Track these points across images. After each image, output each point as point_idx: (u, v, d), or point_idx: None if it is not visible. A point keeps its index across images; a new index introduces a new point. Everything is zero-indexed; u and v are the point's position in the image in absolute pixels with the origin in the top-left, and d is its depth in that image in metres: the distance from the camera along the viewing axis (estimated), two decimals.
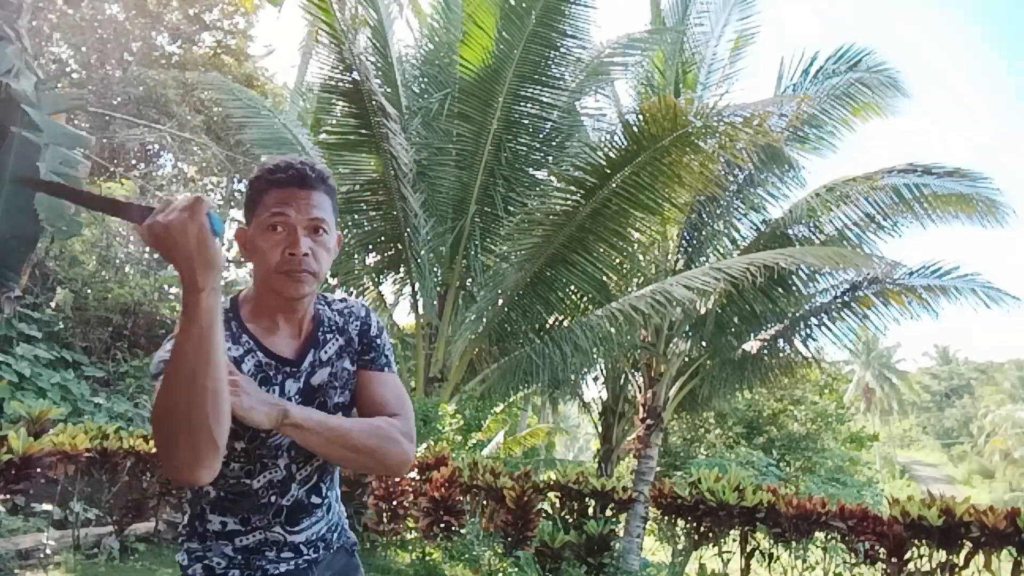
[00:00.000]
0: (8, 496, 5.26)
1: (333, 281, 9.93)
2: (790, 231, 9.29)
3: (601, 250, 8.06)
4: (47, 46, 13.91)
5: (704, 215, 9.64)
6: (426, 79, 9.34)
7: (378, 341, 1.47)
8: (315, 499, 1.44)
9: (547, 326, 8.72)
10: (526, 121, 8.99)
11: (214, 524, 1.39)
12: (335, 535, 1.52)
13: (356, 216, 9.15)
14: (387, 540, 6.33)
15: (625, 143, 7.25)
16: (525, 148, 9.15)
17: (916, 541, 4.99)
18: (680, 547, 6.48)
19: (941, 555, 4.87)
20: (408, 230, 8.39)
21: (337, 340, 1.44)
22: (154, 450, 6.12)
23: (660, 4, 10.28)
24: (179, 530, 1.47)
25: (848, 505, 5.69)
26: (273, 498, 1.38)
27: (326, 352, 1.41)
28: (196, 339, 1.06)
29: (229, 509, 1.38)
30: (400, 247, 8.88)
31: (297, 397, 1.36)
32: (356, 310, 1.50)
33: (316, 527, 1.45)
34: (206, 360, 1.07)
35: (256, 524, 1.39)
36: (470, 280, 9.17)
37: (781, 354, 9.75)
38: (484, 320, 8.55)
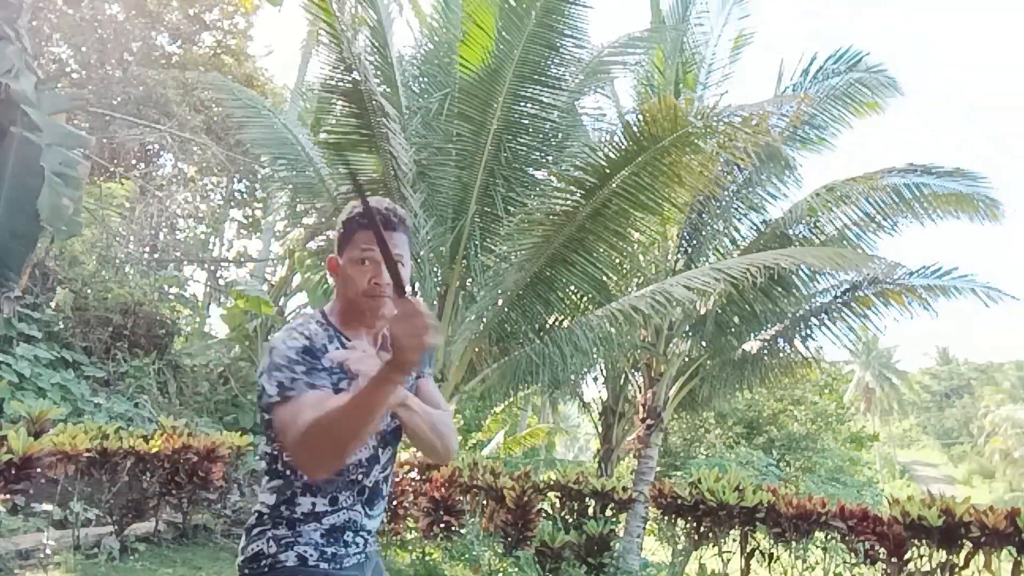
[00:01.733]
0: (8, 496, 5.26)
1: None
2: (790, 231, 9.28)
3: (601, 250, 8.05)
4: (47, 46, 13.91)
5: (704, 215, 9.64)
6: (426, 79, 9.34)
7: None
8: (385, 487, 1.69)
9: (547, 326, 8.72)
10: (526, 121, 8.99)
11: (304, 506, 1.56)
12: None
13: None
14: (387, 540, 6.34)
15: (625, 143, 7.25)
16: (525, 148, 9.14)
17: (916, 541, 4.99)
18: (680, 547, 6.48)
19: (941, 555, 4.88)
20: None
21: None
22: (154, 450, 6.13)
23: (660, 4, 10.28)
24: (256, 520, 1.60)
25: (848, 505, 5.70)
26: (360, 476, 1.61)
27: None
28: (374, 406, 1.32)
29: (321, 489, 1.57)
30: None
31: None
32: None
33: (382, 516, 1.70)
34: (374, 419, 1.34)
35: (343, 504, 1.59)
36: (470, 280, 9.16)
37: (781, 354, 9.73)
38: (484, 320, 8.55)
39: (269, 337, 11.44)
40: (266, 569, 1.53)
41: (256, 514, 1.61)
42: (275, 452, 1.58)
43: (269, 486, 1.59)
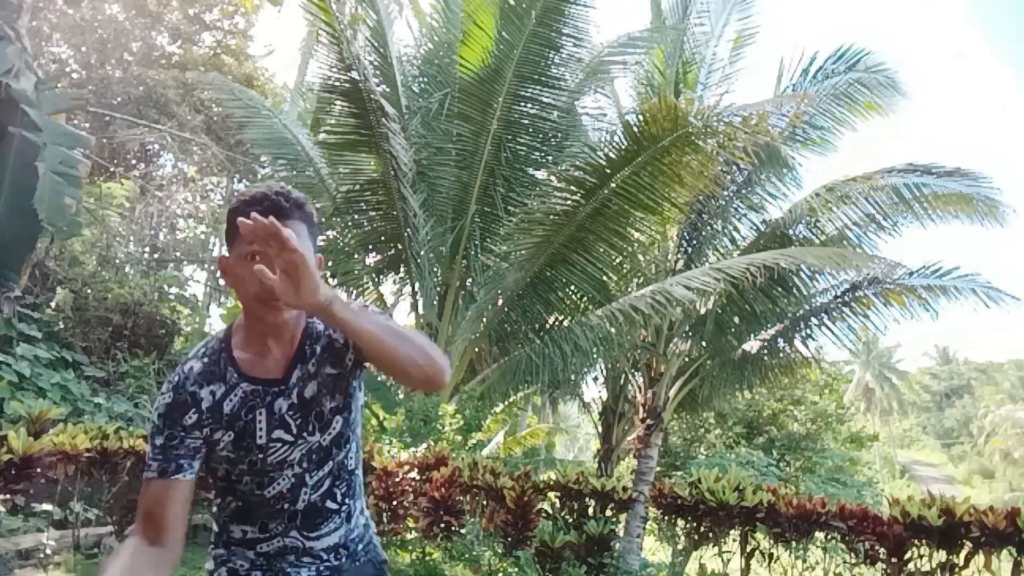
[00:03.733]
0: (8, 496, 5.25)
1: (333, 282, 9.91)
2: (790, 231, 9.28)
3: (601, 250, 8.06)
4: (47, 46, 13.91)
5: (704, 215, 9.64)
6: (426, 79, 9.34)
7: None
8: (331, 504, 1.53)
9: (547, 326, 8.72)
10: (526, 121, 8.99)
11: (236, 533, 1.51)
12: (360, 546, 1.61)
13: (356, 216, 9.15)
14: (387, 540, 6.33)
15: (625, 143, 7.25)
16: (525, 148, 9.15)
17: (916, 541, 4.99)
18: (680, 547, 6.47)
19: (941, 555, 4.87)
20: (408, 230, 8.39)
21: (320, 349, 1.49)
22: None
23: (660, 4, 10.27)
24: (210, 539, 1.58)
25: (848, 505, 5.69)
26: (286, 505, 1.48)
27: (312, 364, 1.47)
28: (360, 328, 1.29)
29: (248, 518, 1.49)
30: (400, 247, 8.88)
31: (290, 412, 1.44)
32: None
33: (337, 534, 1.54)
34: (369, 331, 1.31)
35: (274, 531, 1.48)
36: (470, 280, 9.16)
37: (781, 354, 9.73)
38: (484, 320, 8.55)
39: None
40: None
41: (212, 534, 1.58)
42: (206, 475, 1.49)
43: (213, 514, 1.57)
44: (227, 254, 1.40)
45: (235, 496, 1.48)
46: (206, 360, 1.43)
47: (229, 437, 1.41)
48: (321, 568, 1.52)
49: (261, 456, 1.43)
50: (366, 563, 1.61)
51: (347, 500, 1.55)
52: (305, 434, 1.45)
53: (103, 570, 1.27)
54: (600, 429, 11.25)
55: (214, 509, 1.55)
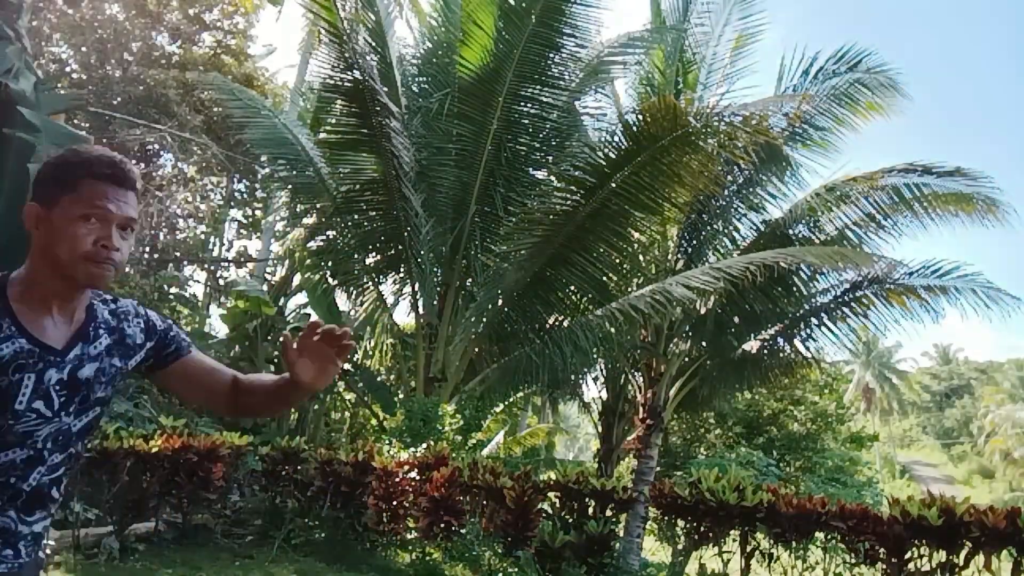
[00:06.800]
0: None
1: (333, 281, 9.91)
2: (790, 231, 9.28)
3: (601, 250, 8.06)
4: (47, 46, 13.91)
5: (704, 215, 9.64)
6: (426, 79, 9.35)
7: (172, 332, 1.56)
8: (55, 493, 1.42)
9: (547, 326, 8.72)
10: (526, 121, 8.99)
11: None
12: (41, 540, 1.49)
13: (356, 216, 9.15)
14: (387, 540, 6.34)
15: (625, 143, 7.26)
16: (525, 148, 9.15)
17: (916, 541, 4.99)
18: (680, 547, 6.48)
19: (941, 555, 4.87)
20: (408, 230, 8.40)
21: (108, 338, 1.46)
22: (154, 450, 6.14)
23: (660, 4, 10.27)
24: None
25: (848, 505, 5.69)
26: (14, 480, 1.33)
27: (95, 347, 1.43)
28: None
29: None
30: (400, 247, 8.88)
31: (57, 387, 1.36)
32: (131, 309, 1.53)
33: (43, 523, 1.42)
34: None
35: None
36: (470, 280, 9.17)
37: (781, 354, 9.74)
38: (484, 320, 8.55)
39: (269, 337, 11.32)
40: None
41: None
42: None
43: None
44: (41, 207, 1.35)
45: None
46: None
47: None
48: (15, 564, 1.37)
49: (11, 422, 1.30)
50: (36, 559, 1.45)
51: (63, 490, 1.46)
52: (63, 414, 1.37)
53: None
54: (600, 429, 11.25)
55: None
